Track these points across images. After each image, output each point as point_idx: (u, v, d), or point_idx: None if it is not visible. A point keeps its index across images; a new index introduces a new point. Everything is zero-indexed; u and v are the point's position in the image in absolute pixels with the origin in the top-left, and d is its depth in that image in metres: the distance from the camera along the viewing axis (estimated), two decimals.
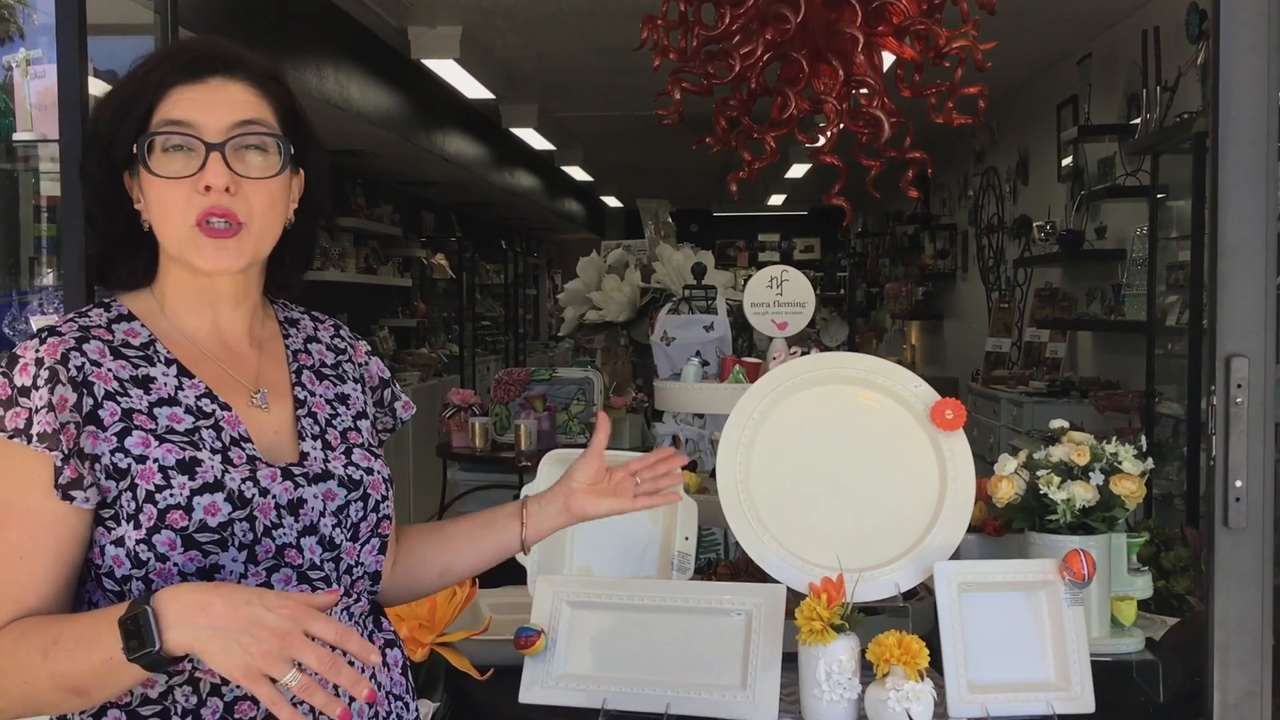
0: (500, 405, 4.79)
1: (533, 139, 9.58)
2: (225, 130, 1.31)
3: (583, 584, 2.08)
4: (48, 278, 2.69)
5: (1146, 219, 5.40)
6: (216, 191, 1.29)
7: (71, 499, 1.24)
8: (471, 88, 7.30)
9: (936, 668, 1.88)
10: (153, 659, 1.13)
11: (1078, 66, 7.05)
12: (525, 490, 2.23)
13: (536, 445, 4.49)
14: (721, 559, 2.86)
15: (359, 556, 1.38)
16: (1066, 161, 7.29)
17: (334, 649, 1.15)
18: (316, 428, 1.39)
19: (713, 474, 2.18)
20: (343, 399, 1.45)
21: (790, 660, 1.91)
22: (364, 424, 1.46)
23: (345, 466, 1.37)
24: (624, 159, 12.27)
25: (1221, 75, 1.88)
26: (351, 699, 1.20)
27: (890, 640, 1.84)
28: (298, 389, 1.41)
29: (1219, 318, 1.84)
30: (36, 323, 2.64)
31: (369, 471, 1.39)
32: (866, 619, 1.93)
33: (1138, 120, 5.62)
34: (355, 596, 1.39)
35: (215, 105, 1.31)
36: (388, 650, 1.47)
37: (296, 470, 1.33)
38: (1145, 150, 5.38)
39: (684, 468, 2.52)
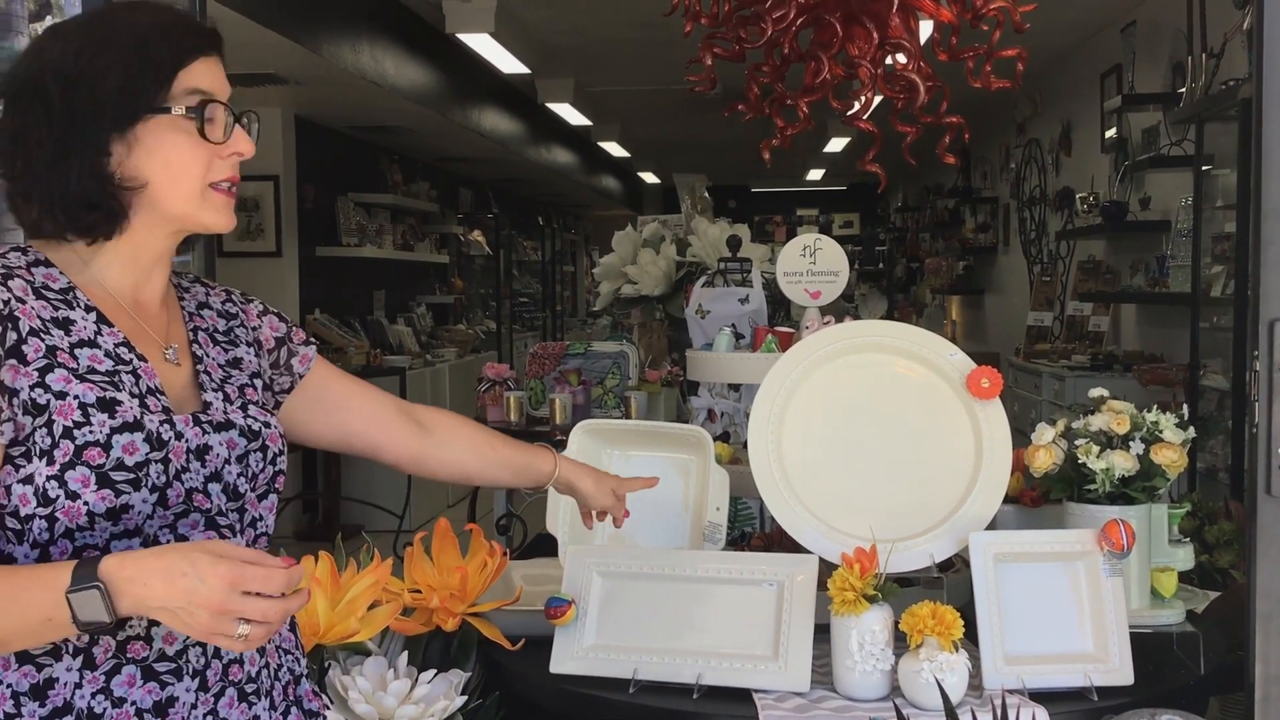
0: (535, 379, 4.78)
1: (569, 114, 9.54)
2: (231, 102, 1.38)
3: (614, 554, 2.07)
4: None
5: (1191, 189, 5.30)
6: (239, 159, 1.37)
7: None
8: (507, 62, 7.27)
9: (971, 639, 1.86)
10: (103, 628, 1.17)
11: (1121, 35, 6.93)
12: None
13: (571, 419, 4.47)
14: (756, 532, 2.84)
15: (260, 511, 1.42)
16: (1110, 132, 7.17)
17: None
18: (214, 382, 1.44)
19: (746, 445, 2.16)
20: (235, 363, 1.49)
21: (823, 631, 1.90)
22: (258, 382, 1.51)
23: (244, 418, 1.41)
24: (661, 134, 12.21)
25: (1265, 33, 1.82)
26: None
27: (924, 611, 1.81)
28: (195, 347, 1.45)
29: (1262, 281, 1.80)
30: None
31: (266, 425, 1.43)
32: (900, 590, 1.90)
33: (1183, 89, 5.51)
34: (249, 543, 1.42)
35: (222, 79, 1.39)
36: None
37: (203, 417, 1.37)
38: (1190, 119, 5.28)
39: (718, 438, 2.50)
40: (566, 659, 1.96)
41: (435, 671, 2.00)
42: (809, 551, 2.00)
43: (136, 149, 1.32)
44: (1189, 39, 5.54)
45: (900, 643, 1.85)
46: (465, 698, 1.99)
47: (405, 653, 2.04)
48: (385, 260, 8.58)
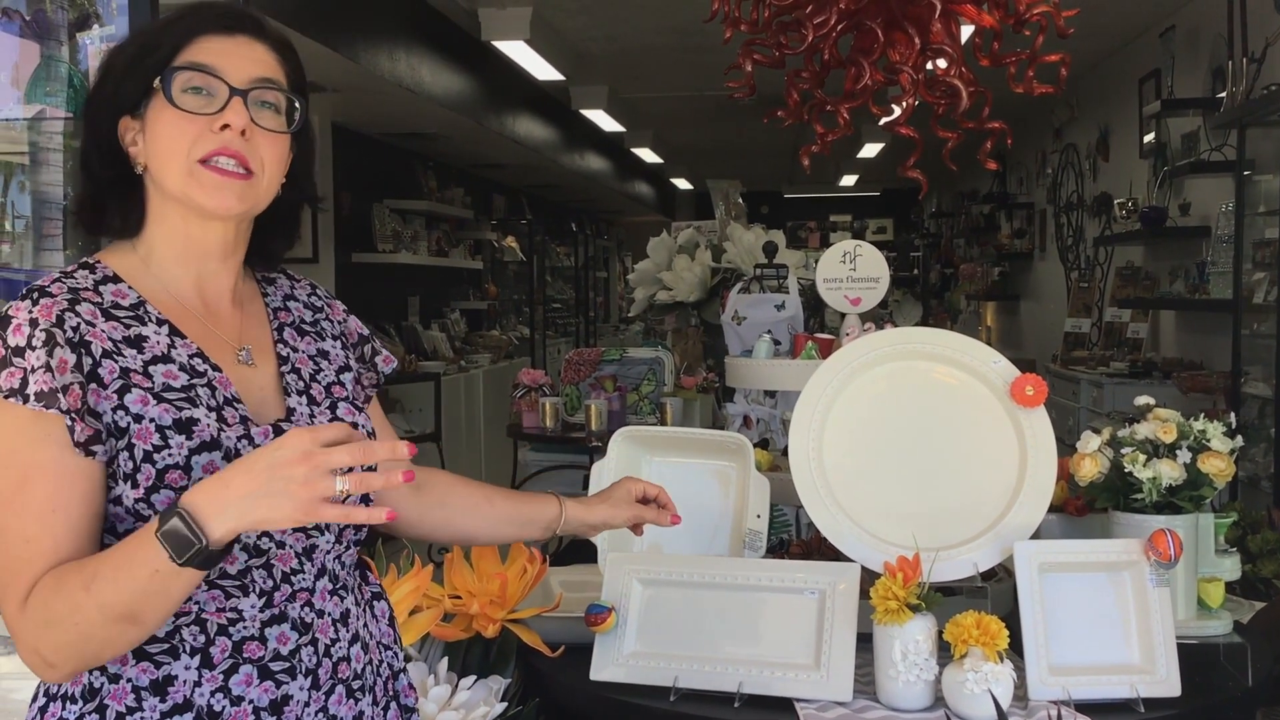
0: (570, 385, 4.78)
1: (602, 121, 9.56)
2: (249, 80, 1.33)
3: (653, 561, 2.06)
4: None
5: (1232, 195, 5.25)
6: (233, 132, 1.30)
7: (93, 454, 1.24)
8: (541, 69, 7.29)
9: (1016, 649, 1.84)
10: (204, 555, 1.15)
11: (1160, 39, 6.87)
12: (595, 469, 2.23)
13: (607, 425, 4.47)
14: (794, 539, 2.83)
15: None
16: (1149, 137, 7.11)
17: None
18: (301, 383, 1.41)
19: (785, 452, 2.15)
20: (324, 354, 1.47)
21: (865, 640, 1.88)
22: (347, 377, 1.48)
23: (332, 420, 1.39)
24: (694, 140, 12.21)
25: None
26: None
27: (968, 621, 1.80)
28: (280, 346, 1.43)
29: None
30: None
31: (355, 425, 1.40)
32: (944, 599, 1.89)
33: (1223, 94, 5.46)
34: (346, 545, 1.41)
35: (242, 57, 1.34)
36: (375, 602, 1.50)
37: (285, 426, 1.34)
38: (1231, 124, 5.22)
39: (756, 445, 2.49)
40: (606, 666, 1.95)
41: (475, 677, 2.00)
42: (850, 559, 1.99)
43: (146, 132, 1.33)
44: (1229, 43, 5.49)
45: (943, 652, 1.83)
46: (505, 704, 1.99)
47: (445, 659, 2.04)
48: (420, 266, 8.61)
